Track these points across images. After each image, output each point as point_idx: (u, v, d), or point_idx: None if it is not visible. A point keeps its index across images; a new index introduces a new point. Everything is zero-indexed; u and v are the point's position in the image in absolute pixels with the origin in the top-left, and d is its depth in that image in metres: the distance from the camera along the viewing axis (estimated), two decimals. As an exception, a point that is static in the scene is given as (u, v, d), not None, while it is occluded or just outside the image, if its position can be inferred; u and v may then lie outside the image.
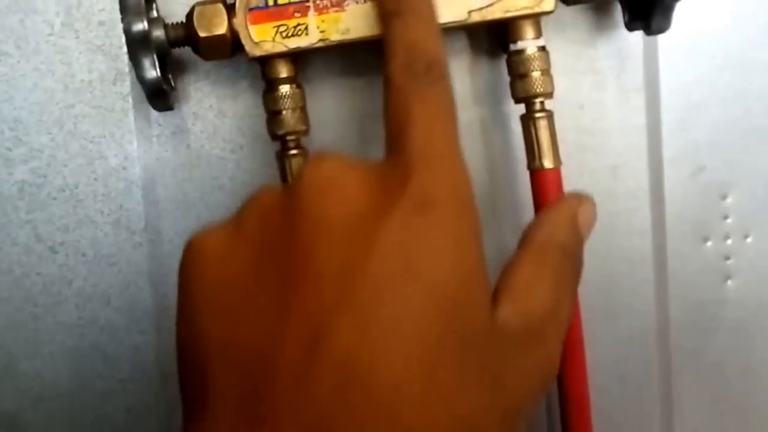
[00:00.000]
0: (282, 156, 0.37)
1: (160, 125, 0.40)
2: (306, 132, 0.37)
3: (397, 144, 0.28)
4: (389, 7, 0.32)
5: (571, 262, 0.31)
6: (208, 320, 0.27)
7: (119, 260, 0.40)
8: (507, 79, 0.37)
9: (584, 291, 0.36)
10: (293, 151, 0.37)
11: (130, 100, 0.40)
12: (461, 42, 0.40)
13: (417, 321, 0.24)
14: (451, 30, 0.36)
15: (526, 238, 0.30)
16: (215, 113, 0.40)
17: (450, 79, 0.30)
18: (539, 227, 0.31)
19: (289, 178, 0.37)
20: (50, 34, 0.39)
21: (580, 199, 0.32)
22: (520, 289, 0.29)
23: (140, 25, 0.35)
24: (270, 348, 0.25)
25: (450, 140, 0.28)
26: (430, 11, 0.32)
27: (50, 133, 0.40)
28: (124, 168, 0.40)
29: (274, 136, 0.37)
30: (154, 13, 0.38)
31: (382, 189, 0.27)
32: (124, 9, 0.35)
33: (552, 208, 0.32)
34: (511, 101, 0.37)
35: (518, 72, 0.37)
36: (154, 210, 0.40)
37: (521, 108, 0.37)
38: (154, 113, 0.40)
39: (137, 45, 0.35)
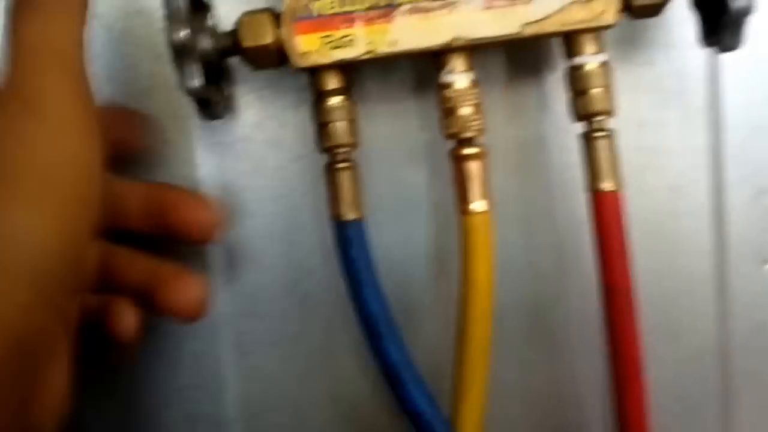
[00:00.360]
0: (330, 169, 0.37)
1: (223, 134, 0.40)
2: (355, 145, 0.37)
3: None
4: None
5: None
6: None
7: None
8: (552, 96, 0.37)
9: (644, 310, 0.36)
10: (341, 165, 0.37)
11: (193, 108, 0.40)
12: (497, 60, 0.40)
13: None
14: (493, 45, 0.35)
15: None
16: (278, 122, 0.40)
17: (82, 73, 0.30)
18: None
19: (338, 193, 0.37)
20: (110, 40, 0.40)
21: None
22: None
23: (182, 34, 0.35)
24: None
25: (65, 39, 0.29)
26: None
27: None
28: (187, 176, 0.40)
29: (322, 149, 0.37)
30: (209, 21, 0.37)
31: None
32: (167, 17, 0.35)
33: None
34: (557, 119, 0.36)
35: (577, 88, 0.35)
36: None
37: (565, 126, 0.36)
38: (217, 121, 0.40)
39: (179, 53, 0.35)
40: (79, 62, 0.30)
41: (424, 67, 0.38)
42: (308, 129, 0.39)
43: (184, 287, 0.35)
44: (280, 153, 0.40)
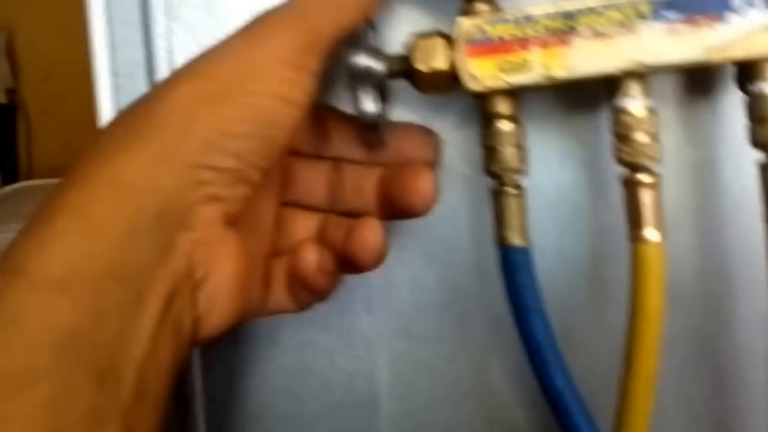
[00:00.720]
0: (497, 194, 0.36)
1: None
2: (523, 171, 0.36)
3: None
4: None
5: None
6: None
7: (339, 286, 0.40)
8: (727, 117, 0.36)
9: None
10: (509, 190, 0.36)
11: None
12: (672, 82, 0.39)
13: None
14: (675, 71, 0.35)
15: None
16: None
17: None
18: None
19: (504, 218, 0.36)
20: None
21: None
22: None
23: (363, 60, 0.35)
24: None
25: None
26: None
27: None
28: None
29: (489, 173, 0.36)
30: (373, 42, 0.37)
31: None
32: (348, 42, 0.35)
33: None
34: (732, 141, 0.36)
35: (758, 116, 0.34)
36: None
37: (740, 149, 0.36)
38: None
39: (358, 79, 0.35)
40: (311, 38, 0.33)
41: (593, 88, 0.37)
42: (470, 150, 0.39)
43: (366, 234, 0.35)
44: (441, 174, 0.40)
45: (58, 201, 0.30)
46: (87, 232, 0.29)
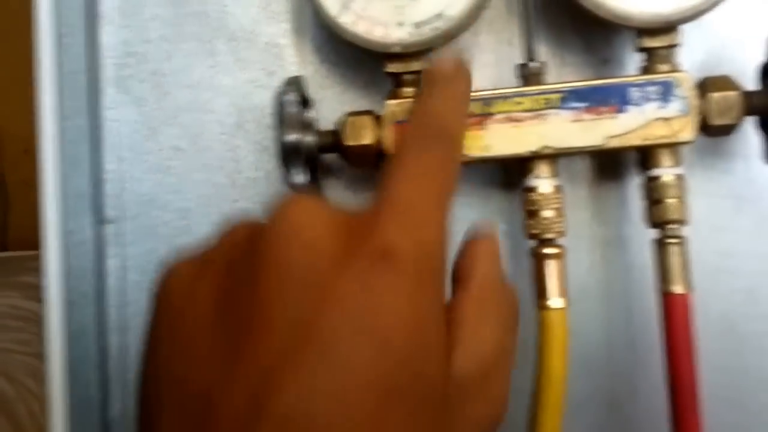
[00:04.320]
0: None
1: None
2: (442, 242, 0.39)
3: (378, 192, 0.29)
4: (425, 78, 0.35)
5: (507, 295, 0.32)
6: (164, 353, 0.27)
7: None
8: (630, 201, 0.40)
9: (716, 408, 0.38)
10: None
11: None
12: (583, 165, 0.42)
13: (364, 380, 0.24)
14: (579, 154, 0.39)
15: (462, 279, 0.31)
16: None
17: (459, 149, 0.32)
18: (472, 265, 0.31)
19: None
20: (222, 133, 0.43)
21: (492, 231, 0.32)
22: (468, 332, 0.29)
23: (293, 137, 0.38)
24: (217, 393, 0.25)
25: (432, 198, 0.29)
26: (461, 89, 0.35)
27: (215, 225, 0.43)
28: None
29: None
30: (311, 117, 0.41)
31: (349, 237, 0.27)
32: (280, 120, 0.38)
33: (476, 242, 0.32)
34: (634, 224, 0.39)
35: (654, 198, 0.38)
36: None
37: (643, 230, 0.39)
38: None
39: (288, 153, 0.38)
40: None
41: (509, 168, 0.42)
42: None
43: None
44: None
45: None
46: None
